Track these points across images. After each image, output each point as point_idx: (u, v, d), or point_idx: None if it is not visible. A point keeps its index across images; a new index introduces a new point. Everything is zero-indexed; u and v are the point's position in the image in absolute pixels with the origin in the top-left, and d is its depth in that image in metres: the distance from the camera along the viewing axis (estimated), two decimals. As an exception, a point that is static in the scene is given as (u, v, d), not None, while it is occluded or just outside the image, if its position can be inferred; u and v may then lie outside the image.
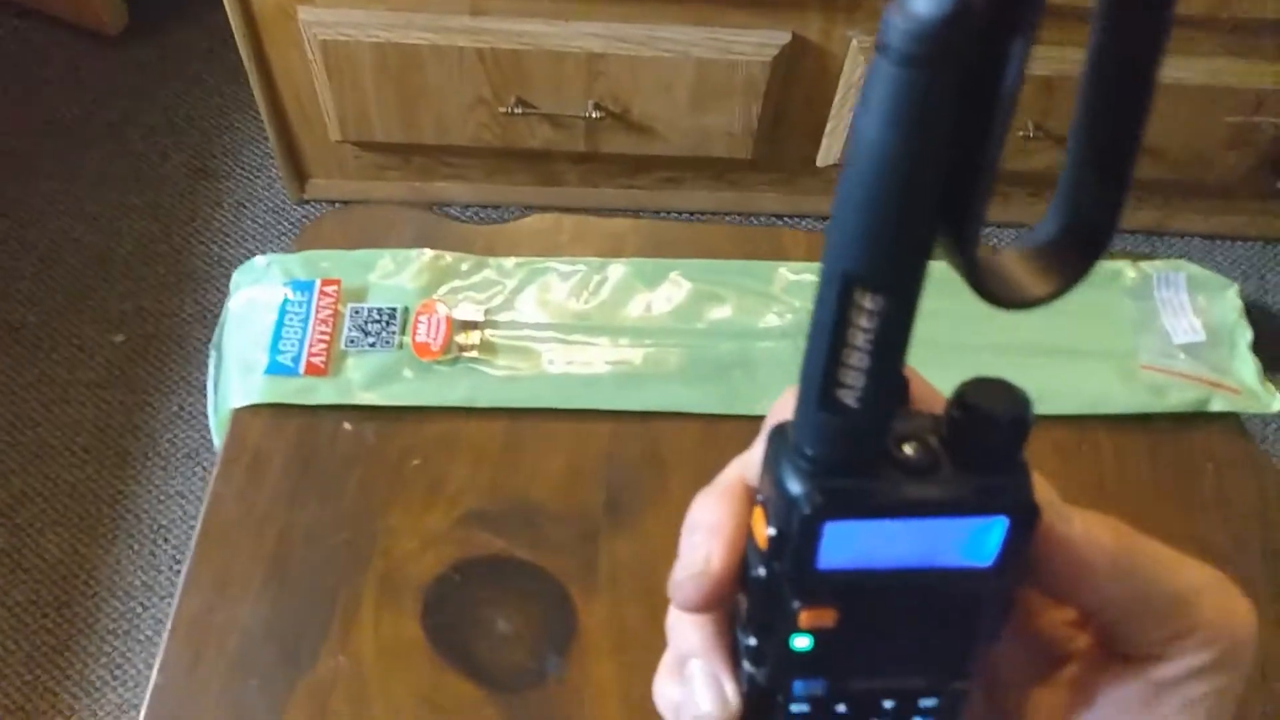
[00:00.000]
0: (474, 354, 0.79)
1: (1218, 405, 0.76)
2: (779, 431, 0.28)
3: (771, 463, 0.28)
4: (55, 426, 1.57)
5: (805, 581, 0.28)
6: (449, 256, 0.83)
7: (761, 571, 0.29)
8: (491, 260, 0.83)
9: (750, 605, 0.30)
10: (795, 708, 0.31)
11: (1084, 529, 0.30)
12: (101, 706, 1.35)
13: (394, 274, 0.83)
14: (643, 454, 0.77)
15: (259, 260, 0.84)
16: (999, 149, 0.22)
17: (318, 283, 0.82)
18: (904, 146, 0.22)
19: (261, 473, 0.75)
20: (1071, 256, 0.26)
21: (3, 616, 1.41)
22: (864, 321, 0.24)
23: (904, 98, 0.21)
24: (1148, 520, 0.74)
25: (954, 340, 0.78)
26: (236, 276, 0.84)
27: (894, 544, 0.28)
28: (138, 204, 1.77)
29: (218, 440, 0.79)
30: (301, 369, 0.78)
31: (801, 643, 0.29)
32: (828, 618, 0.29)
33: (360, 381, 0.78)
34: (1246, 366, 0.78)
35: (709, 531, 0.30)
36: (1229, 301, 0.80)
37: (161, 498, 1.51)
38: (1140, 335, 0.79)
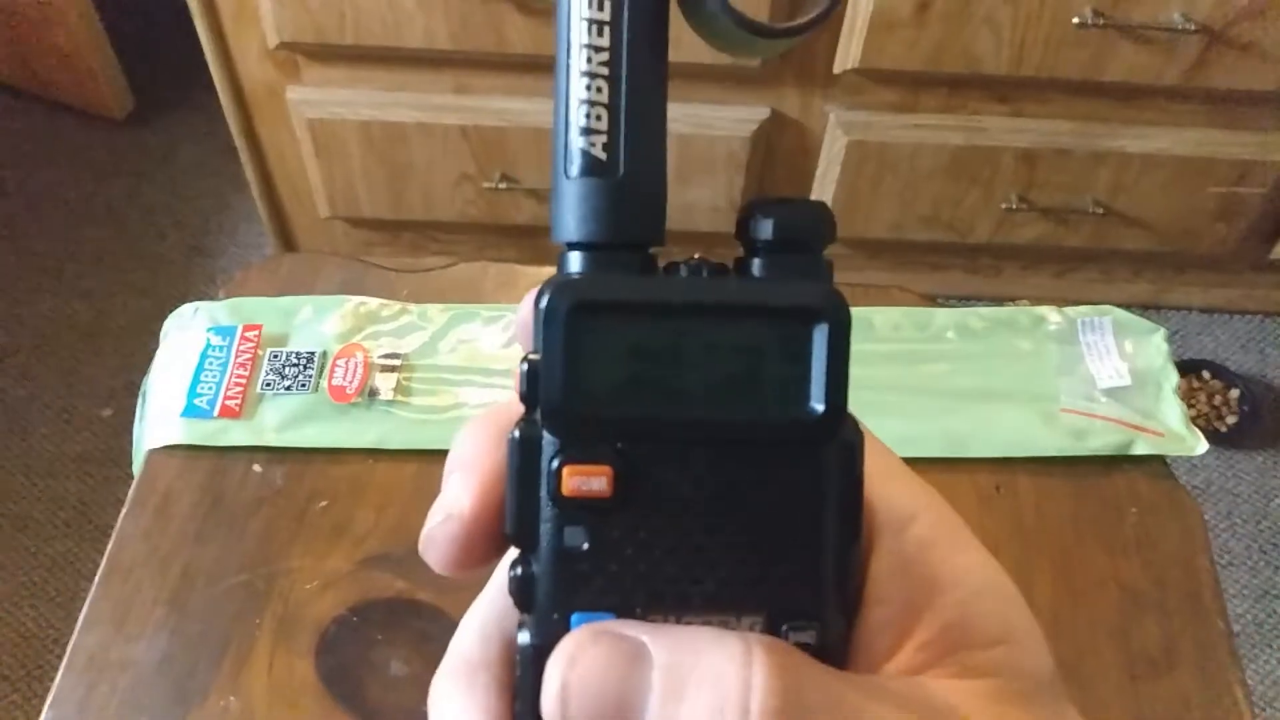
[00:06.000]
0: (390, 397, 0.79)
1: (1141, 448, 0.74)
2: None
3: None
4: (39, 499, 1.58)
5: (567, 421, 0.22)
6: (372, 303, 0.83)
7: (516, 433, 0.23)
8: (414, 306, 0.83)
9: (509, 502, 0.23)
10: None
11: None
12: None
13: (316, 320, 0.83)
14: (552, 496, 0.75)
15: (187, 308, 0.85)
16: None
17: (239, 328, 0.82)
18: None
19: (169, 513, 0.75)
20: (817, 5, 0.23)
21: (-29, 687, 1.41)
22: (599, 38, 0.21)
23: None
24: (1070, 562, 0.71)
25: (879, 382, 0.77)
26: (166, 324, 0.85)
27: (679, 367, 0.22)
28: (133, 281, 1.81)
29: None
30: (216, 411, 0.78)
31: (573, 535, 0.22)
32: (601, 478, 0.22)
33: (273, 424, 0.78)
34: (1172, 410, 0.76)
35: (464, 468, 0.24)
36: (1155, 346, 0.78)
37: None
38: (1062, 379, 0.77)
